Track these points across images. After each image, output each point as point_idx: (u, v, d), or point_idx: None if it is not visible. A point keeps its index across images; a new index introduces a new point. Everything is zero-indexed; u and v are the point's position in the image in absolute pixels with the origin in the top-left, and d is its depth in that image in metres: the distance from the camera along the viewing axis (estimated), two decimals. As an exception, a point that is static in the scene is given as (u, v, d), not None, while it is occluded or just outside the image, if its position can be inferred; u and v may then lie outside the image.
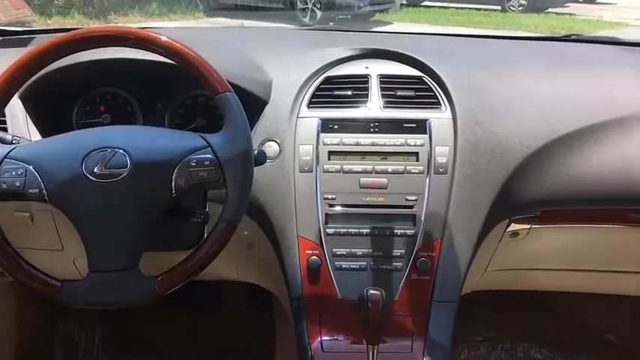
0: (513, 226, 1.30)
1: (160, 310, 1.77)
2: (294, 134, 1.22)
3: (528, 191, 1.24)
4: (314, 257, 1.17)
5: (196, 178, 0.99)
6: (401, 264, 1.19)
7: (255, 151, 1.06)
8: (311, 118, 1.24)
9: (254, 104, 1.23)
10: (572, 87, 1.31)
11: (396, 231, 1.19)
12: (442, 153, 1.21)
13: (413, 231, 1.19)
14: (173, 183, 0.98)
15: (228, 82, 1.06)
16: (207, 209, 1.16)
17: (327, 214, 1.19)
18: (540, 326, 1.89)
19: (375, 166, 1.21)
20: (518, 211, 1.27)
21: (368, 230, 1.19)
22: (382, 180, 1.21)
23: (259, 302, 1.60)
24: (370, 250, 1.19)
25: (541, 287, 1.55)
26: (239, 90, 1.14)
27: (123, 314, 1.80)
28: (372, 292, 1.03)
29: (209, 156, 0.99)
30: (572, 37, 1.60)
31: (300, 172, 1.20)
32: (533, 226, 1.30)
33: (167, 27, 1.80)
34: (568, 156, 1.24)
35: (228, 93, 1.02)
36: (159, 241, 1.07)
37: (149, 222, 1.01)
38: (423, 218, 1.19)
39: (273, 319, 1.59)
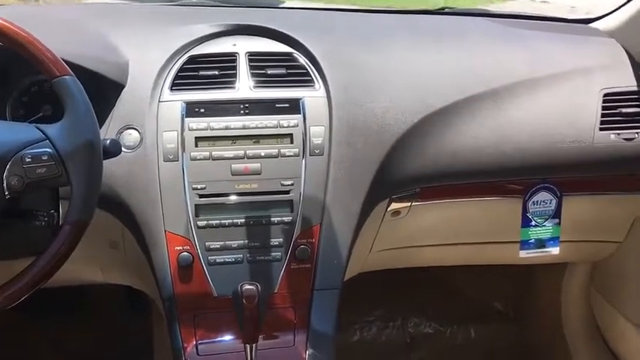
0: (394, 205, 1.27)
1: (23, 321, 1.62)
2: (155, 120, 1.11)
3: (407, 168, 1.21)
4: (184, 253, 1.08)
5: (33, 175, 0.86)
6: (280, 253, 1.12)
7: (107, 141, 0.95)
8: (174, 101, 1.13)
9: (108, 88, 1.11)
10: (445, 61, 1.28)
11: (272, 219, 1.12)
12: (317, 133, 1.15)
13: (291, 218, 1.13)
14: (4, 183, 0.85)
15: (73, 64, 0.94)
16: (55, 210, 1.03)
17: (196, 206, 1.10)
18: (429, 301, 1.90)
19: (247, 151, 1.13)
20: (397, 189, 1.24)
21: (242, 220, 1.12)
22: (255, 165, 1.13)
23: (135, 303, 1.48)
24: (246, 241, 1.11)
25: (427, 263, 1.54)
26: (87, 73, 1.02)
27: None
28: (246, 287, 0.96)
29: (47, 150, 0.87)
30: (446, 9, 1.58)
31: (164, 161, 1.10)
32: (413, 204, 1.28)
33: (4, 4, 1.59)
34: (444, 131, 1.22)
35: (66, 76, 0.89)
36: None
37: None
38: (300, 203, 1.13)
39: (150, 320, 1.48)
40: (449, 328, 1.90)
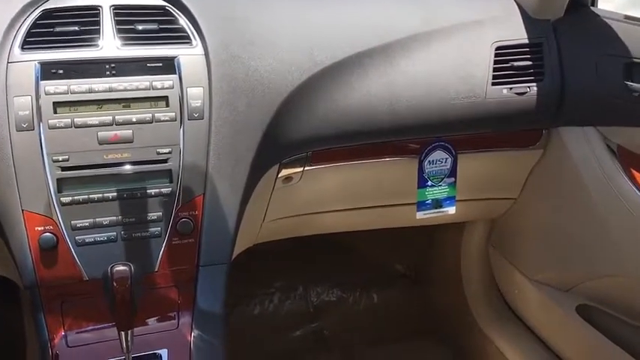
0: (285, 171, 1.19)
1: None
2: (4, 84, 0.97)
3: (296, 131, 1.13)
4: (47, 234, 0.96)
5: None
6: (159, 229, 1.02)
7: None
8: (26, 62, 0.99)
9: None
10: (334, 15, 1.20)
11: (149, 191, 1.02)
12: (195, 95, 1.04)
13: (170, 189, 1.02)
14: None
15: None
16: None
17: (59, 180, 0.97)
18: (331, 268, 1.86)
19: (116, 117, 1.01)
20: (287, 153, 1.16)
21: (114, 194, 1.00)
22: (126, 132, 1.01)
23: (4, 293, 1.33)
24: (119, 217, 1.00)
25: (325, 230, 1.48)
26: None
27: None
28: (117, 268, 0.85)
29: None
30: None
31: (17, 131, 0.96)
32: (306, 169, 1.21)
33: None
34: (335, 89, 1.15)
35: None
36: None
37: None
38: (180, 173, 1.02)
39: (21, 311, 1.34)
40: (351, 294, 1.87)
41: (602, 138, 1.21)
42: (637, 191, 1.13)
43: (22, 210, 0.95)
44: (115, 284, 0.84)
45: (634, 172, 1.16)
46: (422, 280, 1.90)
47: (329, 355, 1.72)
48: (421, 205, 1.31)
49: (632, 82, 1.12)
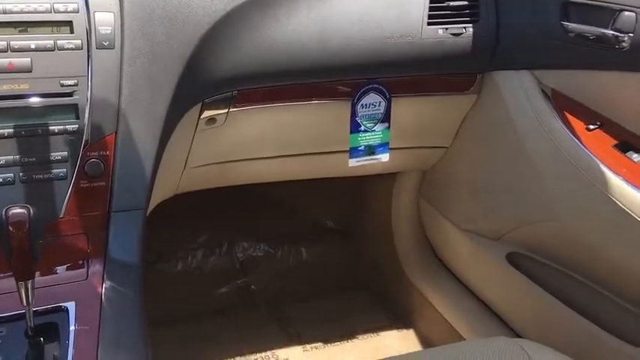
0: (208, 112, 1.10)
1: None
2: None
3: (219, 67, 1.04)
4: None
5: None
6: (64, 170, 0.91)
7: None
8: None
9: None
10: None
11: (52, 128, 0.90)
12: (105, 21, 0.93)
13: (76, 126, 0.91)
14: None
15: None
16: None
17: None
18: (257, 222, 1.79)
19: (11, 42, 0.88)
20: (210, 92, 1.06)
21: (11, 130, 0.88)
22: (23, 60, 0.89)
23: None
24: (17, 156, 0.88)
25: (252, 179, 1.40)
26: None
27: None
28: (13, 210, 0.74)
29: None
30: None
31: None
32: (230, 110, 1.12)
33: None
34: (262, 23, 1.06)
35: None
36: None
37: None
38: (88, 108, 0.92)
39: None
40: (279, 249, 1.80)
41: (537, 82, 1.19)
42: (570, 134, 1.11)
43: None
44: (10, 229, 0.73)
45: (567, 115, 1.14)
46: (352, 234, 1.86)
47: (257, 312, 1.66)
48: (354, 152, 1.25)
49: (567, 22, 1.09)
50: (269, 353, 1.50)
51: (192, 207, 1.64)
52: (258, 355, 1.49)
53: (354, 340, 1.56)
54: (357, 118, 1.22)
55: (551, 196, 1.16)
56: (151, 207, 1.11)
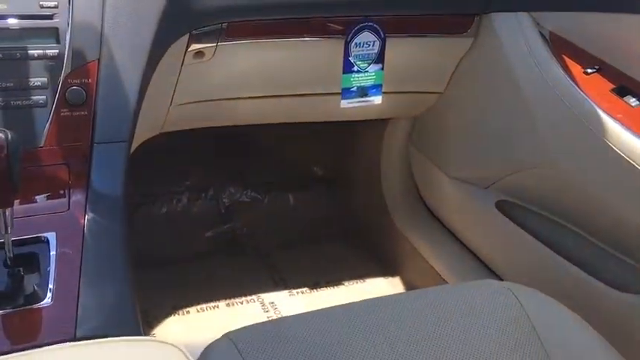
0: (196, 45, 1.06)
1: None
2: None
3: None
4: None
5: None
6: (44, 97, 0.87)
7: None
8: None
9: None
10: None
11: (31, 52, 0.86)
12: None
13: (57, 51, 0.87)
14: None
15: None
16: None
17: None
18: (245, 167, 1.76)
19: None
20: (198, 22, 1.02)
21: None
22: None
23: None
24: None
25: (240, 120, 1.37)
26: None
27: None
28: None
29: None
30: None
31: None
32: (219, 44, 1.08)
33: None
34: None
35: None
36: None
37: None
38: (69, 32, 0.87)
39: None
40: (266, 196, 1.78)
41: (535, 24, 1.16)
42: (567, 78, 1.09)
43: None
44: None
45: (565, 59, 1.11)
46: (340, 182, 1.84)
47: (242, 258, 1.64)
48: (346, 93, 1.21)
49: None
50: (254, 297, 1.49)
51: (179, 150, 1.60)
52: (244, 298, 1.48)
53: (341, 286, 1.56)
54: (350, 58, 1.18)
55: (546, 142, 1.14)
56: (136, 144, 1.08)
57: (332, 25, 1.15)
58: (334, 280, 1.57)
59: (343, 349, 0.73)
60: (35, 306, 0.77)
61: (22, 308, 0.77)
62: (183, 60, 1.07)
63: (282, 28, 1.11)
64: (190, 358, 0.55)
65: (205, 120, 1.32)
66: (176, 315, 1.41)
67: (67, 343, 0.57)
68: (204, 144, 1.65)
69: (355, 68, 1.20)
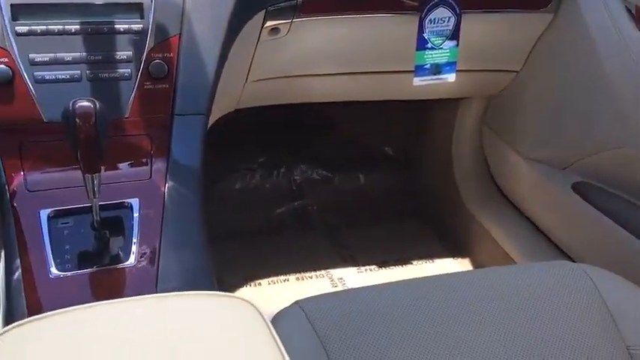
0: (271, 21, 1.08)
1: None
2: None
3: None
4: (1, 66, 0.85)
5: None
6: (129, 70, 0.91)
7: None
8: None
9: None
10: None
11: (117, 27, 0.90)
12: None
13: (141, 25, 0.91)
14: None
15: None
16: None
17: (13, 6, 0.86)
18: (317, 146, 1.78)
19: None
20: None
21: (77, 27, 0.88)
22: None
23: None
24: (84, 53, 0.89)
25: (313, 98, 1.38)
26: None
27: None
28: (80, 103, 0.75)
29: None
30: None
31: None
32: (294, 20, 1.09)
33: None
34: None
35: None
36: None
37: None
38: (152, 7, 0.91)
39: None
40: (337, 174, 1.80)
41: (621, -1, 1.11)
42: (655, 56, 1.04)
43: (-28, 38, 0.84)
44: (77, 121, 0.74)
45: (653, 35, 1.06)
46: (411, 162, 1.83)
47: (312, 234, 1.67)
48: (419, 70, 1.20)
49: None
50: (323, 272, 1.52)
51: (253, 128, 1.64)
52: (313, 273, 1.51)
53: (409, 265, 1.56)
54: (424, 34, 1.17)
55: (630, 121, 1.09)
56: (212, 120, 1.11)
57: (407, 0, 1.14)
58: (403, 259, 1.57)
59: (406, 322, 0.74)
60: (119, 266, 0.83)
61: (107, 267, 0.82)
62: (259, 37, 1.09)
63: (356, 4, 1.12)
64: (264, 316, 0.57)
65: (279, 97, 1.34)
66: (248, 286, 1.45)
67: (149, 295, 0.61)
68: (277, 122, 1.68)
69: (429, 45, 1.18)
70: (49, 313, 0.60)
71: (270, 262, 1.52)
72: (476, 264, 1.56)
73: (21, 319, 0.59)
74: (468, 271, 0.93)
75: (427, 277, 0.88)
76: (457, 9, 1.16)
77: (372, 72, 1.29)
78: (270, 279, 1.48)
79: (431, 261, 1.58)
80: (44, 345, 0.56)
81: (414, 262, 1.57)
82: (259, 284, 1.46)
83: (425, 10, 1.14)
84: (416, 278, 0.86)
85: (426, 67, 1.21)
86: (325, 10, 1.11)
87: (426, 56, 1.20)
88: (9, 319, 0.81)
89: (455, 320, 0.75)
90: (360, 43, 1.21)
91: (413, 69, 1.20)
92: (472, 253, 1.58)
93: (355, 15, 1.13)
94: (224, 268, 1.44)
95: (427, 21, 1.16)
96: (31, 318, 0.59)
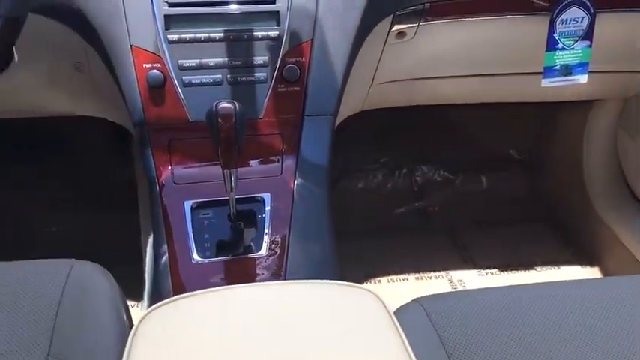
0: (399, 25, 1.10)
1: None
2: None
3: None
4: (154, 71, 0.95)
5: None
6: (265, 74, 0.98)
7: None
8: None
9: None
10: None
11: (256, 34, 0.97)
12: None
13: (277, 32, 0.97)
14: None
15: None
16: None
17: (166, 16, 0.95)
18: (439, 147, 1.78)
19: None
20: (402, 2, 1.06)
21: (221, 34, 0.97)
22: None
23: (115, 140, 1.37)
24: (225, 59, 0.97)
25: (438, 99, 1.39)
26: None
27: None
28: (222, 105, 0.82)
29: None
30: None
31: None
32: (421, 23, 1.11)
33: None
34: None
35: None
36: None
37: None
38: (288, 15, 0.97)
39: (131, 157, 1.38)
40: (459, 176, 1.79)
41: None
42: None
43: (131, 46, 0.94)
44: (219, 121, 0.82)
45: None
46: (536, 165, 1.78)
47: (432, 234, 1.68)
48: (548, 72, 1.18)
49: None
50: (442, 273, 1.52)
51: (376, 128, 1.67)
52: (432, 273, 1.52)
53: (532, 270, 1.52)
54: (554, 35, 1.15)
55: None
56: (340, 120, 1.16)
57: (537, 1, 1.12)
58: (526, 264, 1.54)
59: (528, 327, 0.73)
60: (251, 255, 0.90)
61: (241, 256, 0.89)
62: (386, 40, 1.12)
63: (484, 5, 1.12)
64: (389, 308, 0.60)
65: (404, 99, 1.36)
66: (368, 282, 1.49)
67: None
68: (400, 122, 1.71)
69: (560, 46, 1.16)
70: (192, 292, 0.67)
71: (390, 261, 1.54)
72: (605, 271, 1.49)
73: (167, 298, 0.66)
74: (596, 278, 0.90)
75: (552, 282, 0.87)
76: (591, 9, 1.12)
77: (499, 74, 1.28)
78: (390, 277, 1.51)
79: (556, 267, 1.53)
80: (189, 319, 0.63)
81: (538, 268, 1.53)
82: (379, 281, 1.50)
83: (556, 11, 1.12)
84: (540, 283, 0.84)
85: (555, 68, 1.18)
86: (452, 13, 1.12)
87: (555, 57, 1.17)
88: (155, 298, 0.91)
89: (582, 329, 0.73)
90: (486, 45, 1.20)
91: (541, 70, 1.18)
92: (601, 261, 1.52)
93: (483, 17, 1.13)
94: (344, 264, 1.48)
95: (558, 21, 1.13)
96: (178, 296, 0.67)
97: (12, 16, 0.73)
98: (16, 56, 0.95)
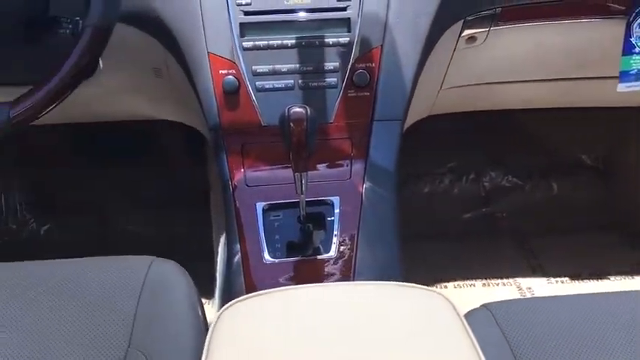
0: (469, 30, 1.10)
1: (85, 165, 1.62)
2: None
3: None
4: (230, 77, 0.98)
5: None
6: (335, 79, 1.00)
7: None
8: None
9: None
10: None
11: (327, 40, 0.99)
12: None
13: (347, 39, 0.99)
14: None
15: None
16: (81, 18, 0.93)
17: (242, 24, 0.98)
18: (507, 151, 1.75)
19: None
20: (473, 8, 1.06)
21: (293, 41, 0.99)
22: None
23: (193, 143, 1.43)
24: (297, 65, 1.00)
25: (507, 104, 1.38)
26: None
27: (41, 170, 1.64)
28: (294, 109, 0.84)
29: None
30: None
31: None
32: (492, 28, 1.10)
33: None
34: None
35: None
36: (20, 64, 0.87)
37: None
38: (358, 22, 0.99)
39: (206, 159, 1.43)
40: (528, 182, 1.75)
41: None
42: None
43: (208, 52, 0.98)
44: (291, 125, 0.84)
45: None
46: (610, 171, 1.73)
47: (500, 241, 1.65)
48: (624, 76, 1.15)
49: None
50: (510, 280, 1.50)
51: (444, 132, 1.67)
52: (500, 280, 1.50)
53: (605, 280, 1.48)
54: (631, 39, 1.12)
55: None
56: (408, 124, 1.16)
57: (612, 4, 1.10)
58: (598, 273, 1.50)
59: (599, 339, 0.72)
60: (320, 257, 0.92)
61: (310, 257, 0.92)
62: (456, 45, 1.12)
63: (557, 9, 1.10)
64: (459, 311, 0.61)
65: (473, 104, 1.36)
66: (435, 287, 1.48)
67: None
68: (468, 127, 1.69)
69: (636, 50, 1.12)
70: (263, 291, 0.69)
71: (456, 266, 1.53)
72: (685, 285, 1.43)
73: (239, 297, 0.69)
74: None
75: (625, 292, 0.85)
76: (671, 11, 1.09)
77: (572, 78, 1.26)
78: (456, 282, 1.50)
79: (630, 277, 1.48)
80: (262, 316, 0.66)
81: (611, 278, 1.48)
82: (445, 287, 1.49)
83: (633, 14, 1.09)
84: (612, 292, 0.83)
85: (632, 72, 1.15)
86: (524, 18, 1.10)
87: (632, 61, 1.14)
88: (226, 295, 0.94)
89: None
90: (559, 49, 1.18)
91: (616, 75, 1.16)
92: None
93: (555, 22, 1.11)
94: (410, 267, 1.48)
95: (636, 25, 1.10)
96: (251, 294, 0.69)
97: (102, 26, 0.78)
98: (100, 64, 1.01)
